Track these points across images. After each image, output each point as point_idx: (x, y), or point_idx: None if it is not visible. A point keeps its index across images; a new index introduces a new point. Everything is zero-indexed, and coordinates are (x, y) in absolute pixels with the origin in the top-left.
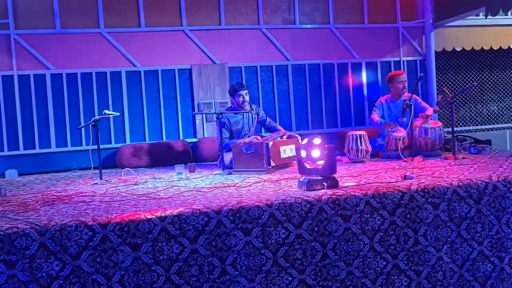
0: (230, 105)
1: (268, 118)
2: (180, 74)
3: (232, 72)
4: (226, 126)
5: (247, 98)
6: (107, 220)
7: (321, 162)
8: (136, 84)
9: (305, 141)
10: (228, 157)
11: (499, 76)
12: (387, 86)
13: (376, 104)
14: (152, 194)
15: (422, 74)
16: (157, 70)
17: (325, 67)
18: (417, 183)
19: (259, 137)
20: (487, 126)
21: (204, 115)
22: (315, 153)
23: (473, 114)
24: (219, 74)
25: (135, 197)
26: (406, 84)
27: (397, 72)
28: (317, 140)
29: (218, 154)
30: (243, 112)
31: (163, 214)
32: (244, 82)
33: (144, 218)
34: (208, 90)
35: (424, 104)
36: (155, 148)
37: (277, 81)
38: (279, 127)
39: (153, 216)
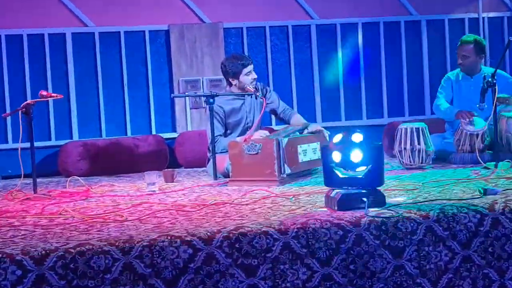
0: (224, 91)
1: (281, 103)
2: (153, 38)
3: (229, 35)
4: (218, 117)
5: (255, 73)
6: (44, 253)
7: (362, 169)
8: (88, 53)
9: (337, 137)
10: (222, 160)
11: None
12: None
13: (442, 82)
14: (111, 215)
15: (511, 39)
16: (119, 33)
17: (366, 29)
18: (503, 200)
19: (267, 132)
20: None
21: (187, 99)
22: (355, 155)
23: None
24: (210, 38)
25: (85, 219)
26: (467, 62)
27: (461, 40)
28: (357, 136)
29: (208, 156)
30: (247, 94)
31: (127, 245)
32: (246, 53)
33: (99, 249)
34: (194, 62)
35: None
36: (116, 147)
37: (296, 49)
38: (298, 117)
39: (112, 247)
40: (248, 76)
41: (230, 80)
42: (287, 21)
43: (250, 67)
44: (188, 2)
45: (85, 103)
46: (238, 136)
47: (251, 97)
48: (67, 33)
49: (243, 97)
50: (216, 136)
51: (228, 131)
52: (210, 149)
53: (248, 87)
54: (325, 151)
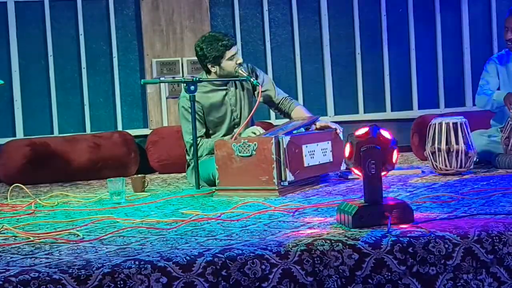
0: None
1: (278, 89)
2: (119, 8)
3: (215, 5)
4: (198, 116)
5: (240, 59)
6: None
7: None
8: (36, 28)
9: (361, 131)
10: (207, 164)
11: None
12: None
13: (486, 67)
14: (64, 234)
15: None
16: (75, 1)
17: None
18: None
19: (261, 129)
20: None
21: (163, 85)
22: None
23: None
24: (191, 9)
25: (31, 238)
26: None
27: (510, 10)
28: (385, 134)
29: (188, 160)
30: (236, 81)
31: (84, 273)
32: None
33: (47, 277)
34: (172, 39)
35: None
36: (71, 148)
37: (301, 23)
38: (302, 109)
39: (65, 276)
40: (231, 61)
41: (209, 66)
42: None
43: (234, 49)
44: None
45: (32, 91)
46: (224, 134)
47: (236, 86)
48: (8, 1)
49: (225, 87)
50: (199, 139)
51: (210, 131)
52: (189, 152)
53: (240, 71)
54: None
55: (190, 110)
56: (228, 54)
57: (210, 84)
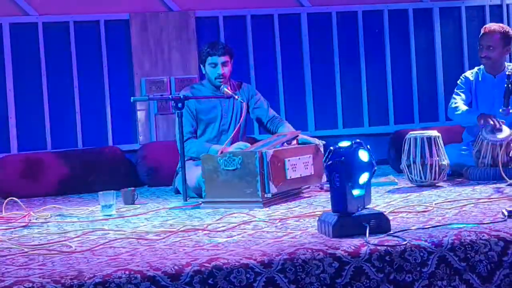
0: (203, 81)
1: (271, 110)
2: (110, 29)
3: (202, 25)
4: (189, 111)
5: (225, 70)
6: None
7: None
8: (30, 48)
9: (344, 143)
10: (194, 175)
11: None
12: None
13: (459, 82)
14: (57, 245)
15: None
16: (67, 23)
17: (367, 18)
18: None
19: (247, 144)
20: None
21: (152, 103)
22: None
23: None
24: (179, 29)
25: (25, 250)
26: (492, 54)
27: (484, 28)
28: (362, 155)
29: (176, 170)
30: (219, 98)
31: (76, 282)
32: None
33: (41, 287)
34: (160, 59)
35: None
36: (64, 162)
37: (283, 42)
38: (287, 125)
39: (57, 286)
40: (212, 68)
41: (201, 66)
42: (273, 9)
43: (216, 59)
44: None
45: (26, 108)
46: (210, 137)
47: (227, 98)
48: (3, 23)
49: (217, 97)
50: (186, 136)
51: (199, 132)
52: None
53: (225, 90)
54: (337, 152)
55: (183, 112)
56: (209, 60)
57: (211, 88)
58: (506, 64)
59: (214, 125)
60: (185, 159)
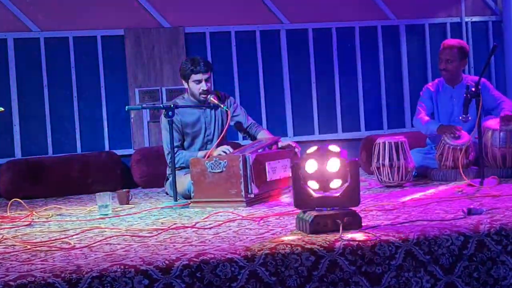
0: (184, 94)
1: (249, 117)
2: (106, 44)
3: (191, 40)
4: (175, 126)
5: (208, 85)
6: None
7: (337, 185)
8: (32, 61)
9: (312, 149)
10: (184, 179)
11: None
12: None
13: (421, 94)
14: (57, 242)
15: (496, 44)
16: (68, 38)
17: (341, 34)
18: (488, 221)
19: (230, 148)
20: None
21: (145, 111)
22: (332, 164)
23: None
24: (170, 44)
25: (28, 247)
26: (451, 66)
27: (443, 44)
28: (334, 148)
29: (167, 174)
30: (205, 107)
31: (74, 276)
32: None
33: (42, 281)
34: (152, 71)
35: (498, 94)
36: (64, 166)
37: (264, 55)
38: (266, 132)
39: (58, 279)
40: (196, 85)
41: (183, 81)
42: (255, 26)
43: (200, 76)
44: (145, 4)
45: (29, 116)
46: (198, 148)
47: (211, 108)
48: (8, 38)
49: (202, 108)
50: (176, 148)
51: (187, 144)
52: (170, 164)
53: (211, 99)
54: (296, 165)
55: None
56: (194, 77)
57: (191, 102)
58: (463, 75)
59: (200, 136)
60: (176, 167)
